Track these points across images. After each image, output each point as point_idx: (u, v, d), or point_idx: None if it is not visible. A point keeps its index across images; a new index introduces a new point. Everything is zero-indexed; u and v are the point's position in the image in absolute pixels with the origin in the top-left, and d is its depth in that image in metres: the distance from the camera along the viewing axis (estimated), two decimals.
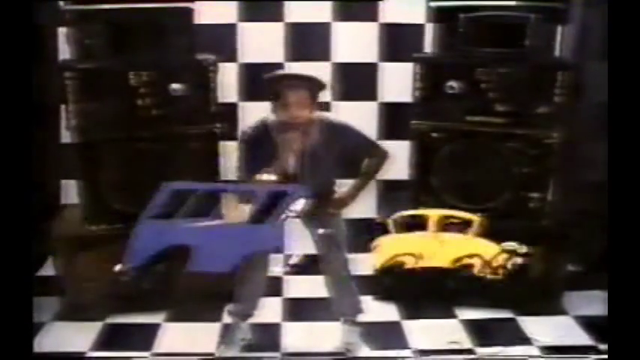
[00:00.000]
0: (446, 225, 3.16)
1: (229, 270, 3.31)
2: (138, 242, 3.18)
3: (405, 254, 3.06)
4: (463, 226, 3.30)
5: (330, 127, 3.52)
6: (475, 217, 2.96)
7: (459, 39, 4.10)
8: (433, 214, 2.94)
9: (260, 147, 3.45)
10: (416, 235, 3.00)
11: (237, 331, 3.87)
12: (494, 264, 3.25)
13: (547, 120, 4.08)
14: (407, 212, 2.99)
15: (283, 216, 3.19)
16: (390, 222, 2.97)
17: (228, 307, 3.92)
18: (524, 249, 3.42)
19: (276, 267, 3.65)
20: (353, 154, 3.63)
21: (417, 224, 3.38)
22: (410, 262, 3.36)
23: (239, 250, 3.28)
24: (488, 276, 3.23)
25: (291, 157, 3.44)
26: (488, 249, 3.10)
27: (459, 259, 3.18)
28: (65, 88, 3.91)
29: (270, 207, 3.17)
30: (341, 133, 3.54)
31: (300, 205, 3.28)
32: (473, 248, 3.12)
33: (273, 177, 3.26)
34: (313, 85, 3.36)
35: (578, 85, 4.26)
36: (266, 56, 5.03)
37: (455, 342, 4.00)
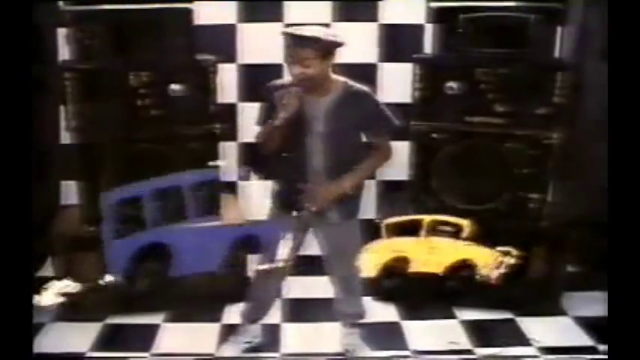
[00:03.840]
0: (437, 230, 3.12)
1: (211, 269, 3.28)
2: (111, 253, 3.17)
3: (396, 259, 3.02)
4: (454, 230, 3.27)
5: (349, 91, 3.39)
6: (465, 222, 2.93)
7: (459, 39, 4.11)
8: (425, 218, 2.91)
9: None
10: (407, 240, 2.97)
11: (244, 333, 3.88)
12: (488, 268, 3.22)
13: (546, 120, 4.08)
14: (399, 218, 2.96)
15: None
16: (382, 227, 2.94)
17: (240, 308, 3.92)
18: (515, 252, 3.39)
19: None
20: (365, 129, 3.45)
21: (409, 229, 3.32)
22: (401, 267, 3.30)
23: (218, 247, 3.26)
24: (484, 278, 3.20)
25: (286, 112, 3.28)
26: (480, 254, 3.07)
27: (453, 268, 3.13)
28: (65, 89, 3.91)
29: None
30: (360, 98, 3.41)
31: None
32: (465, 254, 3.08)
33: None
34: (315, 44, 3.21)
35: (577, 85, 4.27)
36: (265, 57, 5.04)
37: (454, 342, 4.00)
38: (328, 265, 3.73)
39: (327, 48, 3.25)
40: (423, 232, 2.86)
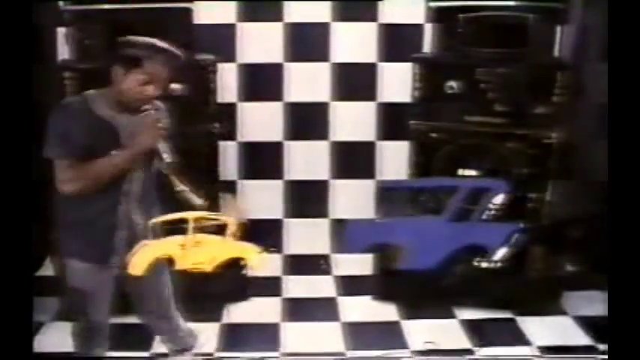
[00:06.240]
0: (204, 226, 3.00)
1: (436, 267, 3.29)
2: (347, 241, 3.18)
3: (160, 258, 2.91)
4: (219, 227, 3.11)
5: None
6: (230, 220, 2.83)
7: (458, 39, 4.10)
8: (190, 216, 2.82)
9: (78, 125, 2.79)
10: (173, 239, 2.88)
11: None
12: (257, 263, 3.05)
13: (546, 120, 4.08)
14: (164, 217, 2.86)
15: (485, 212, 3.16)
16: (151, 226, 2.84)
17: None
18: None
19: None
20: None
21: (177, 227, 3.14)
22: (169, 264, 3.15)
23: (445, 247, 3.27)
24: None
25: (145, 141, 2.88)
26: (246, 250, 2.96)
27: (222, 264, 2.99)
28: (65, 88, 3.91)
29: (473, 203, 3.15)
30: None
31: (499, 200, 3.24)
32: (233, 251, 2.96)
33: (473, 172, 3.22)
34: (170, 59, 2.91)
35: (577, 85, 4.27)
36: (265, 56, 5.04)
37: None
38: None
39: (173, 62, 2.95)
40: (189, 230, 2.79)
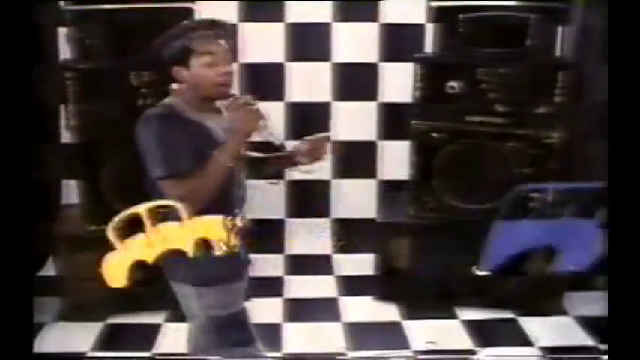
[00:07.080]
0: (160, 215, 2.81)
1: (592, 268, 3.30)
2: (495, 244, 3.17)
3: (135, 262, 2.72)
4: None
5: None
6: (179, 205, 2.62)
7: (460, 39, 4.10)
8: (142, 209, 2.59)
9: (184, 136, 2.56)
10: (137, 239, 2.68)
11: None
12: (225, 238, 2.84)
13: (547, 120, 4.08)
14: (118, 217, 2.64)
15: None
16: (109, 232, 2.64)
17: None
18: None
19: None
20: None
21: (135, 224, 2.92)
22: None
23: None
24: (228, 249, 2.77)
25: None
26: (209, 227, 2.75)
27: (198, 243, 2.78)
28: (65, 88, 3.91)
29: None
30: None
31: None
32: (198, 232, 2.74)
33: None
34: (218, 28, 2.70)
35: (578, 85, 4.26)
36: (266, 56, 5.04)
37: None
38: None
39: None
40: (146, 223, 2.56)
